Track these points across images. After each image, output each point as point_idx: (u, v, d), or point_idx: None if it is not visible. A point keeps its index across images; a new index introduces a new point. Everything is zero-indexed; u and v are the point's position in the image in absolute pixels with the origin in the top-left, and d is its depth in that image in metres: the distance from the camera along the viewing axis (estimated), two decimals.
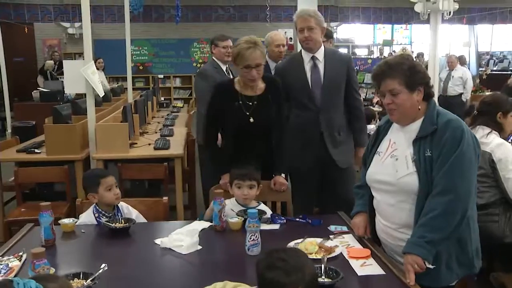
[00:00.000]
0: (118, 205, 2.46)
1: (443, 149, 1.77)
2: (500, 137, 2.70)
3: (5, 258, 1.85)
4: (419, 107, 1.87)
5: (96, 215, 2.40)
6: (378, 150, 2.02)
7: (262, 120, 2.62)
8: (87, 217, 2.40)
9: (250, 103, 2.61)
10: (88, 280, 1.61)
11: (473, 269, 1.88)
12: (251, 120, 2.59)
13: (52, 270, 1.66)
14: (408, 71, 1.84)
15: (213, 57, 3.96)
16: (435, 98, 8.12)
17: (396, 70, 1.84)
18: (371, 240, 2.04)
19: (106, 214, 2.40)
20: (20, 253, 1.87)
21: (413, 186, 1.82)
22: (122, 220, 2.28)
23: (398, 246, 1.89)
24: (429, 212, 1.75)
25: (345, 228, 2.20)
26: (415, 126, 1.89)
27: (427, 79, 1.91)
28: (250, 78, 2.54)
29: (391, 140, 1.98)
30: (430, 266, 1.73)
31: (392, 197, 1.90)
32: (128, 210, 2.47)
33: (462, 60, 9.15)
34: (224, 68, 3.91)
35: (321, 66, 2.96)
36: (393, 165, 1.90)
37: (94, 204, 2.43)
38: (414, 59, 2.01)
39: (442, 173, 1.75)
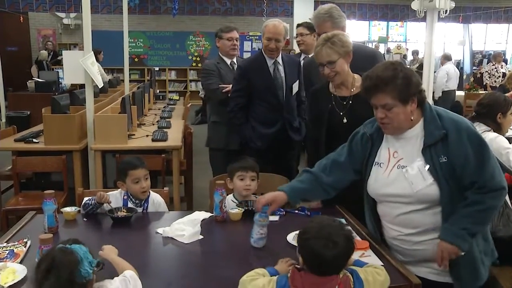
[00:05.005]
0: (150, 196, 2.47)
1: (468, 149, 1.74)
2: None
3: (10, 244, 1.87)
4: (412, 117, 1.82)
5: (125, 197, 2.44)
6: (376, 160, 1.96)
7: (356, 120, 2.30)
8: (116, 199, 2.41)
9: (344, 103, 2.47)
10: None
11: (495, 254, 1.94)
12: (344, 120, 2.44)
13: None
14: (402, 85, 1.76)
15: (219, 52, 3.73)
16: (436, 96, 8.07)
17: (389, 85, 1.76)
18: (369, 233, 2.08)
19: (134, 201, 2.43)
20: (25, 240, 1.90)
21: (434, 196, 1.79)
22: (124, 210, 2.30)
23: (414, 250, 1.89)
24: (475, 205, 1.75)
25: (343, 221, 2.23)
26: (415, 132, 1.85)
27: (420, 87, 1.84)
28: (325, 75, 2.44)
29: (390, 149, 1.93)
30: (462, 254, 1.79)
31: (410, 206, 1.85)
32: (159, 204, 2.48)
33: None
34: (229, 62, 3.70)
35: None
36: (404, 177, 1.83)
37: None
38: (405, 62, 1.98)
39: (480, 169, 1.74)
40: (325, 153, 2.45)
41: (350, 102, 2.47)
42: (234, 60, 3.75)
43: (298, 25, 4.24)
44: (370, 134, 1.99)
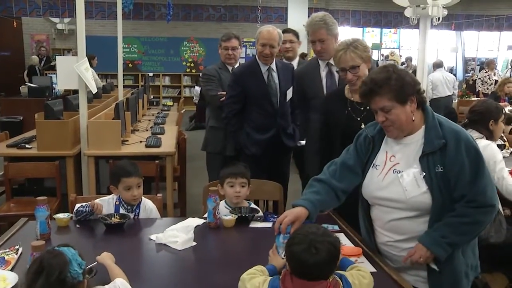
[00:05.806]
0: (142, 202, 2.46)
1: (464, 160, 1.74)
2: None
3: (1, 251, 1.85)
4: (413, 118, 1.82)
5: (117, 202, 2.42)
6: (374, 162, 1.96)
7: None
8: (108, 205, 2.40)
9: (362, 108, 2.46)
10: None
11: (478, 270, 1.94)
12: (362, 126, 2.37)
13: None
14: (396, 85, 1.76)
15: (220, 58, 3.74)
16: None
17: (384, 87, 1.77)
18: (362, 239, 2.08)
19: (126, 207, 2.42)
20: (16, 247, 1.88)
21: (426, 204, 1.79)
22: (118, 216, 2.29)
23: (402, 257, 1.88)
24: (461, 217, 1.75)
25: (336, 227, 2.24)
26: (415, 138, 1.85)
27: (418, 86, 1.83)
28: (348, 81, 2.44)
29: (387, 152, 1.92)
30: (436, 268, 1.78)
31: (402, 212, 1.85)
32: (151, 210, 2.47)
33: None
34: (230, 68, 3.68)
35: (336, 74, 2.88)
36: (399, 183, 1.84)
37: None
38: (399, 65, 1.99)
39: (473, 182, 1.74)
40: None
41: (368, 107, 2.43)
42: (236, 66, 3.73)
43: (286, 31, 4.02)
44: (372, 136, 1.98)
